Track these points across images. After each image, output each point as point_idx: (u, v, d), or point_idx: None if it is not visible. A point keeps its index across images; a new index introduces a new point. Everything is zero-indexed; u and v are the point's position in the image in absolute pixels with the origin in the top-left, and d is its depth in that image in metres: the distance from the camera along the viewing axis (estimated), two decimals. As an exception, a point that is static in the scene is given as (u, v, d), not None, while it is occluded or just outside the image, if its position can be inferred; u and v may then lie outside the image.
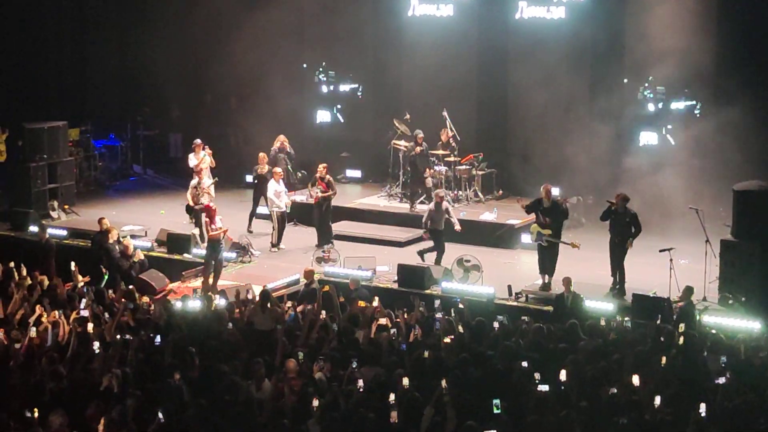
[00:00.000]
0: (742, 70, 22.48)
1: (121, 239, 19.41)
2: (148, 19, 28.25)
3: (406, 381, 11.93)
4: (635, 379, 12.35)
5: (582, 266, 19.48)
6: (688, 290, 16.63)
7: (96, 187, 26.68)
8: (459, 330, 14.59)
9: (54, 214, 23.60)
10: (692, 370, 13.19)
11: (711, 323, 16.58)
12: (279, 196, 21.53)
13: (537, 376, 12.34)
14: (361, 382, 11.95)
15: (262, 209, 23.19)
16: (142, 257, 19.29)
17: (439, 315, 15.29)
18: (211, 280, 18.72)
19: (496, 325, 14.78)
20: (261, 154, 22.90)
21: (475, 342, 14.15)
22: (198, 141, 22.70)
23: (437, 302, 16.26)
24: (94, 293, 16.40)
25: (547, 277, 18.71)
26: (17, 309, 15.04)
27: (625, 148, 23.39)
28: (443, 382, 11.80)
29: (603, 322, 15.42)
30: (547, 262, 18.79)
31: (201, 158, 22.32)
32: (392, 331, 14.58)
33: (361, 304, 16.02)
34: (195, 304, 16.12)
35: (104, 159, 27.75)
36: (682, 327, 14.69)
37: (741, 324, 16.54)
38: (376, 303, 15.86)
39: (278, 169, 21.93)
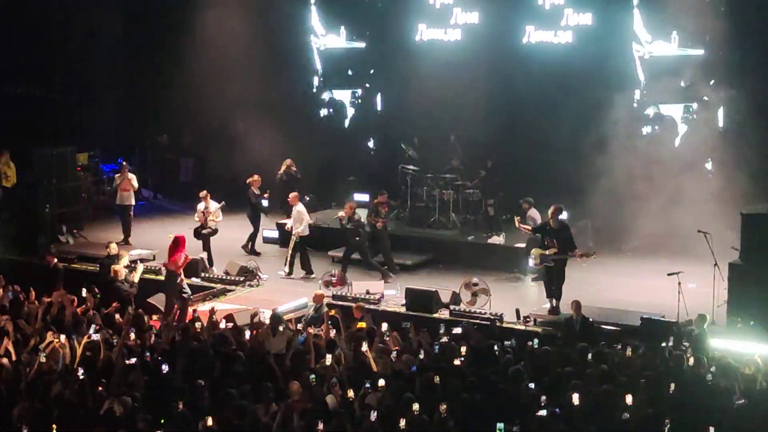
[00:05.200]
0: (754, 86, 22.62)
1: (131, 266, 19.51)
2: (157, 44, 28.37)
3: (416, 406, 11.92)
4: (629, 399, 12.34)
5: (590, 290, 19.47)
6: (702, 318, 16.45)
7: (104, 212, 26.72)
8: (464, 353, 14.57)
9: (62, 238, 23.67)
10: (701, 395, 13.15)
11: (720, 347, 16.52)
12: (302, 220, 21.58)
13: (543, 400, 12.32)
14: (374, 414, 11.92)
15: (269, 233, 23.32)
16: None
17: (444, 339, 15.26)
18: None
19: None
20: (255, 177, 22.99)
21: (482, 365, 14.12)
22: (124, 164, 24.46)
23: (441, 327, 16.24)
24: (102, 318, 16.41)
25: (554, 300, 18.68)
26: (31, 333, 15.06)
27: (634, 171, 23.39)
28: (443, 407, 11.80)
29: (605, 346, 15.40)
30: (554, 286, 18.77)
31: (123, 179, 23.80)
32: (393, 354, 14.56)
33: (362, 325, 15.98)
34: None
35: (112, 183, 27.81)
36: (691, 353, 14.65)
37: (750, 348, 16.46)
38: (384, 328, 15.83)
39: (295, 192, 21.98)
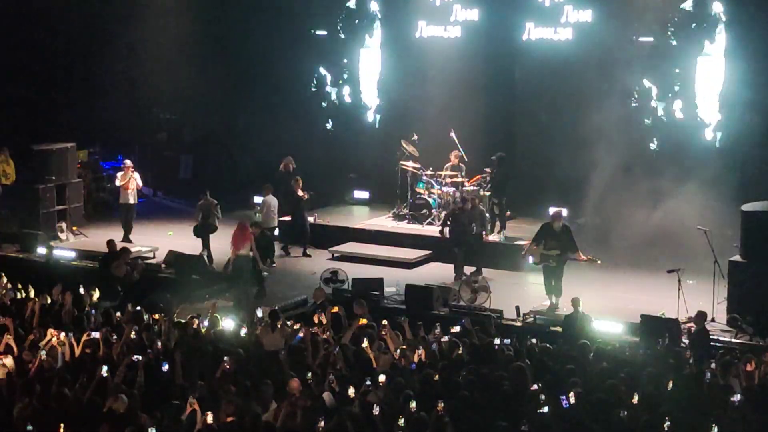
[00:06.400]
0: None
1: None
2: (157, 41, 28.36)
3: (413, 403, 11.91)
4: (635, 398, 12.36)
5: (590, 287, 19.46)
6: (702, 315, 16.39)
7: (104, 209, 26.71)
8: (462, 351, 14.56)
9: (62, 235, 23.64)
10: (703, 392, 13.14)
11: (719, 345, 16.53)
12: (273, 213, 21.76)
13: (542, 397, 12.31)
14: (377, 409, 11.90)
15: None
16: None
17: (445, 339, 15.23)
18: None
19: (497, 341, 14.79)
20: (296, 178, 23.01)
21: (482, 363, 14.11)
22: (128, 162, 24.03)
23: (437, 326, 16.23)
24: (102, 315, 16.38)
25: (554, 297, 18.68)
26: (31, 331, 15.04)
27: (633, 167, 23.40)
28: (440, 404, 11.80)
29: (605, 343, 15.39)
30: (554, 283, 18.78)
31: (127, 179, 23.55)
32: (398, 351, 14.54)
33: (363, 321, 15.98)
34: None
35: (112, 180, 27.82)
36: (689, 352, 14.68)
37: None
38: (384, 323, 15.82)
39: (268, 185, 22.29)
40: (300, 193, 22.77)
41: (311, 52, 27.50)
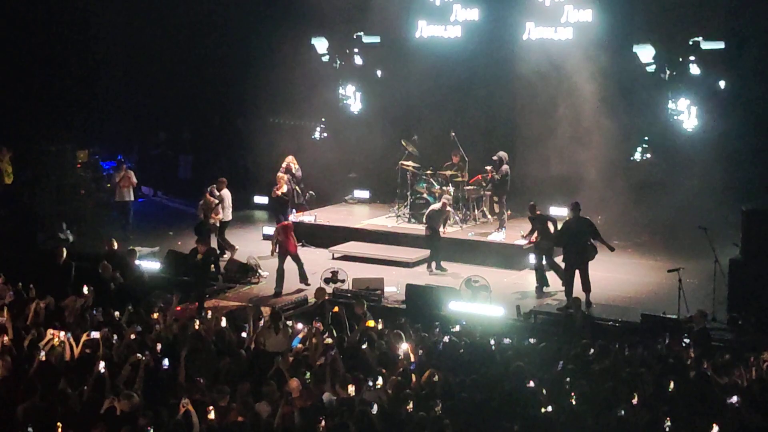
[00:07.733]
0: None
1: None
2: (157, 40, 28.37)
3: (411, 404, 11.92)
4: (635, 398, 12.36)
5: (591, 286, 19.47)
6: (702, 314, 16.40)
7: (104, 209, 26.67)
8: (461, 351, 14.56)
9: (62, 235, 23.64)
10: (704, 391, 13.14)
11: (719, 344, 16.52)
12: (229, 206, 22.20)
13: (543, 397, 12.32)
14: (376, 407, 11.90)
15: (268, 229, 23.36)
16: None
17: (445, 339, 15.23)
18: None
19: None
20: (279, 175, 23.05)
21: (482, 363, 14.11)
22: (122, 160, 24.36)
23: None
24: (102, 314, 16.37)
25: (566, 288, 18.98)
26: (30, 330, 15.02)
27: (635, 167, 23.44)
28: (438, 406, 11.80)
29: (606, 342, 15.38)
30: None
31: (121, 176, 23.68)
32: (398, 351, 14.54)
33: (370, 323, 15.98)
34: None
35: (112, 180, 27.82)
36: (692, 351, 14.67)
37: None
38: (380, 326, 15.83)
39: (223, 179, 22.71)
40: (280, 192, 22.83)
41: (311, 51, 27.52)
